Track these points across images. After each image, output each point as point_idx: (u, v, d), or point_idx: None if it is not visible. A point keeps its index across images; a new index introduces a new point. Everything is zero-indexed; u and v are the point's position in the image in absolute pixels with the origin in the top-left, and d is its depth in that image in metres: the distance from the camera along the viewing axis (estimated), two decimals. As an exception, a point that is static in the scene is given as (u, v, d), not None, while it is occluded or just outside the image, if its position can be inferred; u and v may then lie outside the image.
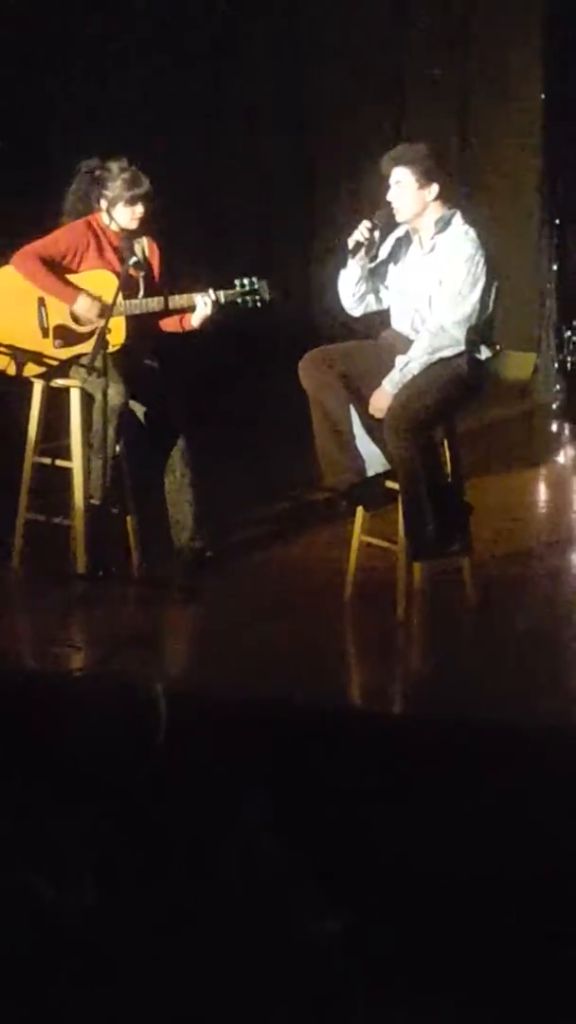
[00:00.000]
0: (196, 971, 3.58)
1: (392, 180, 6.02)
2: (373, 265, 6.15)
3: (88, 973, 3.57)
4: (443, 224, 6.03)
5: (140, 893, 3.79)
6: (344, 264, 6.13)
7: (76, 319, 6.41)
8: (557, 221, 8.82)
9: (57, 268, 6.40)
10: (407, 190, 6.01)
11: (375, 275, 6.18)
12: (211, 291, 6.36)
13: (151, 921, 3.71)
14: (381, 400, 5.99)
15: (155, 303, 6.37)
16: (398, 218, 6.07)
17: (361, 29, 9.56)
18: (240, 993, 3.51)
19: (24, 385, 6.57)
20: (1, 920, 3.66)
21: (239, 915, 3.74)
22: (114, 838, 3.94)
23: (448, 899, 3.87)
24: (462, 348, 5.99)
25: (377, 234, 6.06)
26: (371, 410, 6.04)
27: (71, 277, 6.41)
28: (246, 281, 6.39)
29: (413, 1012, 3.48)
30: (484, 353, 6.08)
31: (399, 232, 6.18)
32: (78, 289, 6.38)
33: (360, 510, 6.25)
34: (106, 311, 6.28)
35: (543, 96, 8.84)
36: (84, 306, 6.37)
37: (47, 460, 6.59)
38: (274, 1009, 3.47)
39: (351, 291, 6.18)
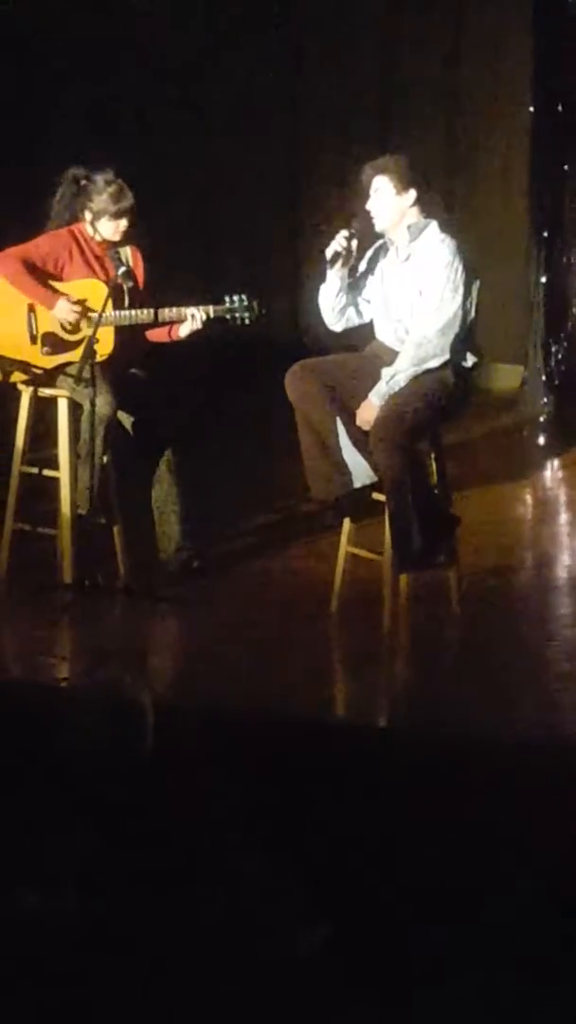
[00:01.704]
0: (186, 984, 3.58)
1: (372, 189, 6.04)
2: (352, 279, 6.16)
3: (75, 986, 3.57)
4: (417, 231, 6.04)
5: (128, 907, 3.79)
6: (324, 278, 6.15)
7: (61, 324, 6.40)
8: (545, 234, 8.82)
9: (39, 273, 6.39)
10: (385, 197, 6.02)
11: (355, 288, 6.18)
12: (200, 307, 6.35)
13: (138, 937, 3.70)
14: (368, 412, 5.99)
15: (145, 315, 6.36)
16: (377, 226, 6.08)
17: (349, 42, 9.59)
18: (230, 1005, 3.51)
19: (12, 395, 6.57)
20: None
21: (227, 928, 3.74)
22: (101, 852, 3.94)
23: (436, 910, 3.88)
24: (447, 357, 5.99)
25: (355, 243, 6.07)
26: (358, 422, 6.04)
27: (59, 286, 6.41)
28: (236, 298, 6.37)
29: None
30: (470, 360, 6.09)
31: (377, 244, 6.18)
32: (59, 293, 6.37)
33: (347, 521, 6.26)
34: (94, 318, 6.27)
35: (532, 108, 8.84)
36: (64, 310, 6.35)
37: (34, 470, 6.58)
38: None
39: (331, 304, 6.18)
